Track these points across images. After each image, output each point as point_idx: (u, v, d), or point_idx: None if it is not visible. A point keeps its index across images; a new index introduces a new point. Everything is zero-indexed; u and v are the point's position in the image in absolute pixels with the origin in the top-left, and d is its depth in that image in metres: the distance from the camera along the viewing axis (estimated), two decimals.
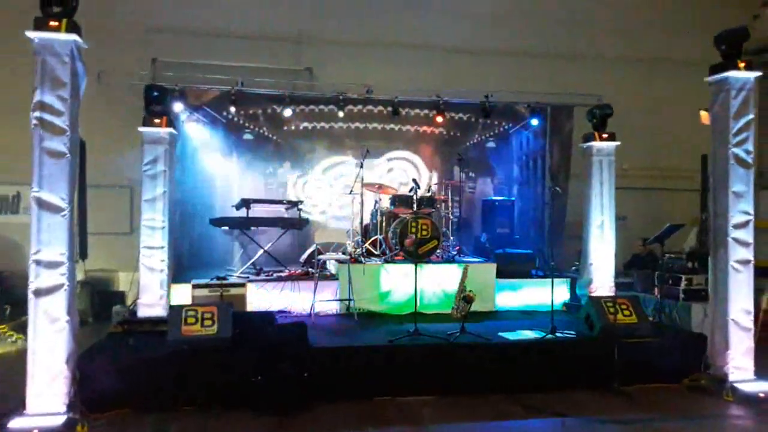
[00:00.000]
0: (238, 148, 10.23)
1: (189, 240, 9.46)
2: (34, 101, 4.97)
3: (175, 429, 4.99)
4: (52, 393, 4.88)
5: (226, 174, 10.18)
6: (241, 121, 10.15)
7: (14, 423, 4.68)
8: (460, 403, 5.62)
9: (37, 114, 4.95)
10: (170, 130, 6.95)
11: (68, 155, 5.01)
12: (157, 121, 6.85)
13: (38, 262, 4.93)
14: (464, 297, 6.33)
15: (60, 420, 4.75)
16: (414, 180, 8.74)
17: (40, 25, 4.99)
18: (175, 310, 5.58)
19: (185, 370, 5.36)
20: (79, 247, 5.41)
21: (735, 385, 5.87)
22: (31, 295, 4.91)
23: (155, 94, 6.89)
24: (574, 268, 9.50)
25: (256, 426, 5.02)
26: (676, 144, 11.78)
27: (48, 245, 4.94)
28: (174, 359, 5.36)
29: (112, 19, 10.35)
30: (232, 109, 9.58)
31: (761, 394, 5.76)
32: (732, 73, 5.99)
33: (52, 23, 4.98)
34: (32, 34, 4.98)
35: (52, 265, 4.94)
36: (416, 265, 6.63)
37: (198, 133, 9.75)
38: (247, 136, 10.25)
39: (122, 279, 10.17)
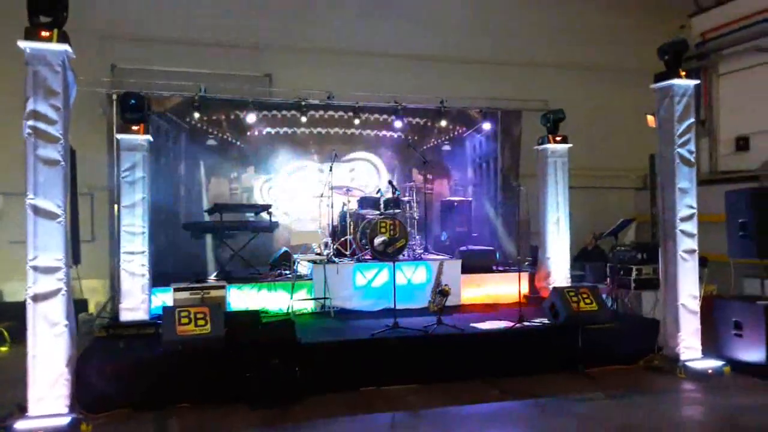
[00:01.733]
0: (202, 153, 10.30)
1: (156, 246, 9.47)
2: (28, 110, 5.06)
3: (176, 424, 5.16)
4: (54, 395, 4.98)
5: (191, 180, 10.24)
6: (205, 127, 10.25)
7: (19, 425, 4.76)
8: (442, 389, 6.01)
9: (31, 123, 5.05)
10: (147, 137, 7.07)
11: (62, 163, 5.12)
12: (135, 128, 6.95)
13: (35, 268, 5.02)
14: (440, 291, 6.74)
15: (65, 421, 4.87)
16: (390, 182, 9.18)
17: (32, 35, 5.08)
18: (168, 311, 5.73)
19: (181, 368, 5.54)
20: (72, 253, 5.46)
21: (686, 363, 6.51)
22: (29, 301, 5.00)
23: (132, 101, 6.99)
24: (527, 263, 10.10)
25: (255, 418, 5.26)
26: (616, 145, 12.64)
27: (44, 251, 5.04)
28: (170, 359, 5.53)
29: (68, 25, 10.28)
30: (196, 115, 9.73)
31: (709, 371, 6.44)
32: (675, 81, 6.64)
33: (44, 33, 5.08)
34: (24, 44, 5.06)
35: (49, 270, 5.05)
36: (394, 264, 7.00)
37: (162, 140, 9.79)
38: (211, 142, 10.34)
39: (85, 286, 10.05)
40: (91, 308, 9.67)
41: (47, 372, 4.98)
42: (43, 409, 4.95)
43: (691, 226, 6.64)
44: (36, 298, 5.01)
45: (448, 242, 10.61)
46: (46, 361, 4.99)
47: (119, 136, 7.05)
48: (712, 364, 6.53)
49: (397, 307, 7.81)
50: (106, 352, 5.84)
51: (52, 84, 5.09)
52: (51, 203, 5.05)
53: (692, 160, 6.66)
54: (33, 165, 5.04)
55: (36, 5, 5.12)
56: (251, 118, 9.71)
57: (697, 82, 6.78)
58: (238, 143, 10.51)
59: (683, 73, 6.62)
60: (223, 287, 7.11)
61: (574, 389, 6.07)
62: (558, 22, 12.61)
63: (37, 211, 5.03)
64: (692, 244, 6.65)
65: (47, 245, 5.04)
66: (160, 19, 10.75)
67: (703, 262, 6.94)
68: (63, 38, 5.16)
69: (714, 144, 12.67)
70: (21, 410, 5.05)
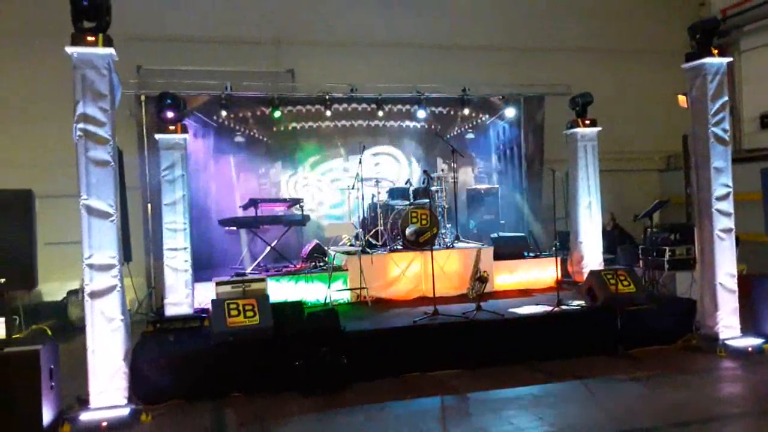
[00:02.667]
0: (230, 150, 10.44)
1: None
2: (78, 113, 5.20)
3: (232, 413, 5.32)
4: (114, 388, 5.15)
5: (220, 176, 10.38)
6: (232, 125, 10.38)
7: (84, 416, 4.94)
8: (485, 374, 6.11)
9: (81, 126, 5.19)
10: (185, 135, 7.20)
11: (112, 163, 5.26)
12: (172, 128, 7.09)
13: (91, 266, 5.17)
14: (479, 277, 6.84)
15: (125, 411, 5.05)
16: (425, 171, 9.32)
17: (78, 40, 5.21)
18: (218, 303, 5.88)
19: (232, 359, 5.70)
20: (124, 251, 5.61)
21: (725, 342, 6.54)
22: (87, 298, 5.15)
23: (169, 101, 7.11)
24: (554, 248, 10.14)
25: (307, 405, 5.41)
26: (638, 127, 12.62)
27: (99, 249, 5.19)
28: (221, 349, 5.69)
29: None
30: (223, 113, 9.88)
31: (750, 349, 6.47)
32: (707, 60, 6.63)
33: (90, 38, 5.21)
34: (71, 50, 5.20)
35: (104, 268, 5.20)
36: (432, 252, 7.08)
37: (191, 138, 9.91)
38: (239, 139, 10.47)
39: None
40: (129, 305, 9.85)
41: (106, 365, 5.15)
42: (104, 401, 5.12)
43: (727, 205, 6.66)
44: (93, 295, 5.16)
45: (476, 230, 10.69)
46: (104, 355, 5.15)
47: (158, 136, 7.19)
48: (752, 342, 6.55)
49: (430, 296, 7.99)
50: (158, 345, 6.00)
51: (99, 87, 5.23)
52: (103, 203, 5.19)
53: (727, 138, 6.67)
54: (85, 166, 5.18)
55: (80, 11, 5.24)
56: (278, 114, 9.81)
57: (730, 59, 6.77)
58: (265, 139, 10.63)
59: (716, 51, 6.62)
60: (263, 280, 7.23)
61: (616, 370, 6.15)
62: (577, 5, 12.59)
63: (90, 211, 5.17)
64: (729, 223, 6.67)
65: (101, 244, 5.18)
66: (183, 18, 10.88)
67: (735, 242, 6.95)
68: (108, 42, 5.29)
69: (738, 122, 12.60)
70: (81, 402, 5.24)
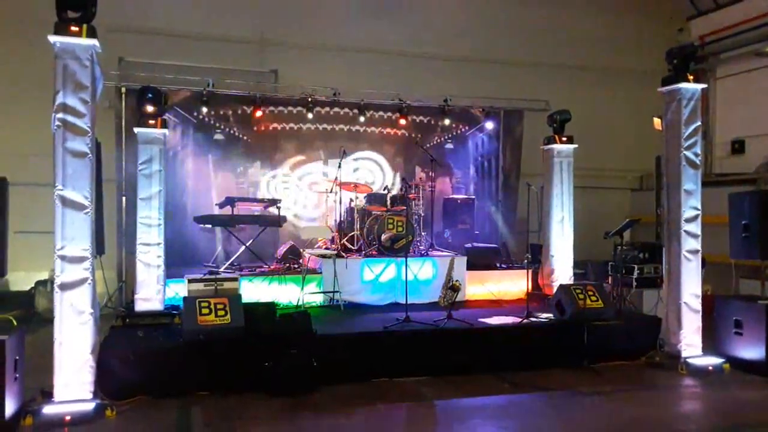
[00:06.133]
0: (209, 147, 10.34)
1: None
2: (57, 103, 5.15)
3: (198, 411, 5.30)
4: (79, 382, 5.09)
5: (198, 173, 10.31)
6: (212, 122, 10.31)
7: (47, 410, 4.87)
8: (453, 382, 6.18)
9: (60, 116, 5.14)
10: (164, 130, 7.17)
11: (90, 155, 5.22)
12: (151, 122, 7.05)
13: (63, 258, 5.12)
14: (451, 286, 6.92)
15: (90, 406, 4.99)
16: (403, 179, 9.35)
17: (61, 30, 5.17)
18: (189, 301, 5.85)
19: (202, 357, 5.68)
20: (97, 244, 5.56)
21: (687, 360, 6.70)
22: (57, 289, 5.10)
23: (150, 95, 7.08)
24: (526, 260, 10.28)
25: (275, 406, 5.41)
26: (613, 146, 12.86)
27: (72, 241, 5.14)
28: (190, 347, 5.67)
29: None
30: (204, 110, 9.83)
31: (710, 367, 6.64)
32: (683, 85, 6.82)
33: (73, 28, 5.17)
34: (54, 39, 5.15)
35: (76, 260, 5.15)
36: (406, 259, 7.14)
37: (170, 133, 9.83)
38: (218, 137, 10.38)
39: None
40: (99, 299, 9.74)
41: (73, 359, 5.09)
42: (68, 395, 5.06)
43: (695, 227, 6.84)
44: (63, 287, 5.10)
45: (451, 239, 10.79)
46: (72, 348, 5.09)
47: (137, 130, 7.13)
48: (713, 361, 6.73)
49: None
50: (126, 340, 5.96)
51: (81, 78, 5.19)
52: (79, 194, 5.15)
53: (698, 162, 6.86)
54: (62, 157, 5.13)
55: (65, 1, 5.21)
56: (259, 113, 9.81)
57: (705, 86, 6.97)
58: (245, 138, 10.58)
59: (691, 77, 6.81)
60: (236, 279, 7.23)
61: (581, 384, 6.25)
62: (559, 23, 12.80)
63: (65, 202, 5.13)
64: (696, 244, 6.85)
65: (74, 235, 5.14)
66: (168, 12, 10.82)
67: (702, 263, 7.14)
68: (92, 33, 5.26)
69: (710, 146, 12.92)
70: (44, 395, 5.17)
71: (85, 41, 5.20)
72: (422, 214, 9.73)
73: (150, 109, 7.09)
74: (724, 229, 7.20)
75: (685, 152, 6.79)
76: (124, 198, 9.26)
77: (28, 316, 8.85)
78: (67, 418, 4.85)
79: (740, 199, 6.95)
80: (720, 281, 9.42)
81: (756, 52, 11.70)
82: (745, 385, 6.31)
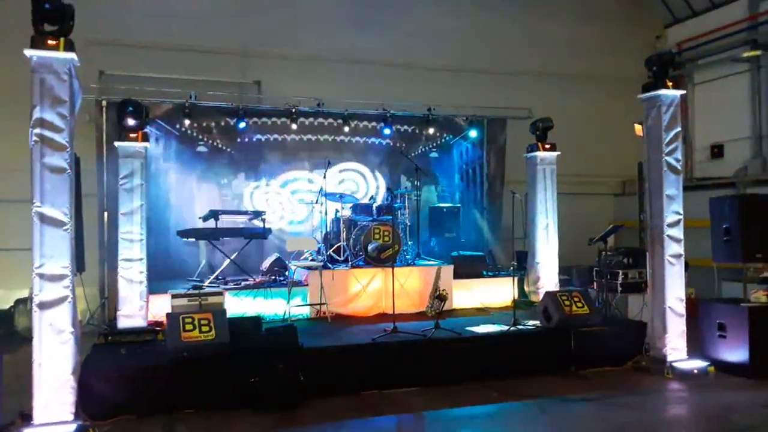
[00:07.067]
0: (192, 160, 10.27)
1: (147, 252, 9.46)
2: (34, 118, 5.06)
3: (183, 429, 5.22)
4: (60, 403, 4.98)
5: (181, 186, 10.22)
6: (195, 134, 10.25)
7: None
8: (442, 392, 6.14)
9: (37, 131, 5.05)
10: (146, 144, 7.10)
11: (68, 170, 5.14)
12: (133, 135, 6.98)
13: (42, 276, 5.02)
14: (438, 295, 6.89)
15: (71, 428, 4.87)
16: (389, 188, 9.39)
17: (38, 43, 5.10)
18: (173, 318, 5.76)
19: (186, 374, 5.59)
20: (76, 261, 5.47)
21: (673, 364, 6.73)
22: (35, 308, 4.99)
23: (130, 108, 7.01)
24: (511, 268, 10.31)
25: (260, 421, 5.34)
26: (595, 152, 12.95)
27: (50, 259, 5.04)
28: (174, 365, 5.57)
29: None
30: (186, 122, 9.77)
31: (695, 371, 6.67)
32: (662, 92, 6.89)
33: (51, 42, 5.11)
34: (30, 53, 5.08)
35: (56, 278, 5.04)
36: (393, 269, 7.11)
37: (152, 146, 9.76)
38: (201, 149, 10.34)
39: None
40: (80, 315, 9.58)
41: (53, 379, 4.98)
42: (48, 417, 4.94)
43: (678, 232, 6.89)
44: (42, 306, 5.00)
45: (437, 248, 10.79)
46: (51, 369, 4.98)
47: (117, 144, 7.06)
48: (697, 364, 6.76)
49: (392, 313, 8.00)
50: (108, 358, 5.86)
51: (59, 92, 5.11)
52: (58, 211, 5.06)
53: (679, 167, 6.92)
54: (39, 173, 5.03)
55: (42, 14, 5.14)
56: (242, 125, 9.77)
57: (684, 92, 7.04)
58: (229, 150, 10.52)
59: (670, 84, 6.88)
60: (221, 294, 7.15)
61: (569, 390, 6.25)
62: (540, 32, 12.92)
63: (43, 218, 5.03)
64: (679, 249, 6.90)
65: (53, 253, 5.03)
66: (149, 24, 10.73)
67: (685, 267, 7.19)
68: (69, 47, 5.19)
69: (690, 151, 13.06)
70: (23, 418, 5.05)
71: (62, 55, 5.13)
72: (408, 224, 9.72)
73: (131, 122, 7.02)
74: (706, 232, 7.26)
75: (666, 158, 6.85)
76: (105, 213, 9.13)
77: (7, 336, 8.68)
78: None
79: (721, 203, 7.01)
80: (703, 284, 9.50)
81: (732, 58, 11.86)
82: (730, 388, 6.33)
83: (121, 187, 7.00)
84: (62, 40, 5.16)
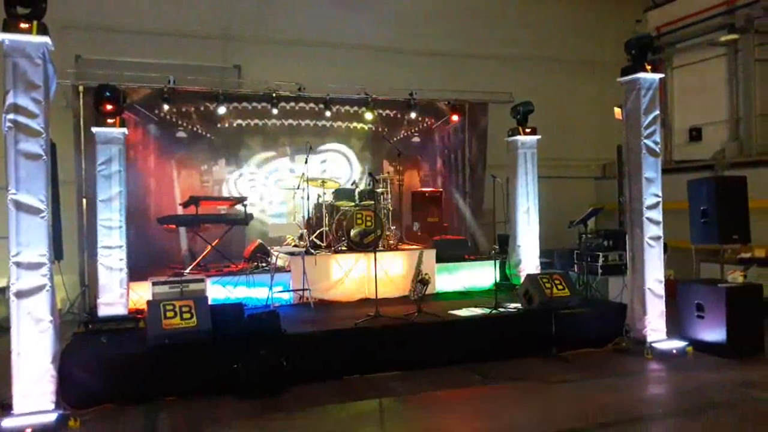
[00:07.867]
0: (172, 146, 10.15)
1: (126, 239, 9.35)
2: (8, 104, 4.96)
3: (165, 418, 5.19)
4: (40, 392, 4.93)
5: (160, 172, 10.10)
6: (174, 119, 10.11)
7: (6, 423, 4.71)
8: (424, 375, 6.18)
9: (11, 116, 4.96)
10: (123, 129, 6.99)
11: (44, 157, 5.05)
12: (110, 121, 6.87)
13: (18, 264, 4.94)
14: (420, 280, 6.90)
15: (52, 417, 4.83)
16: (370, 173, 9.31)
17: (10, 27, 4.99)
18: (153, 305, 5.71)
19: (168, 362, 5.56)
20: (55, 249, 5.39)
21: (652, 344, 6.84)
22: (12, 297, 4.92)
23: (108, 93, 6.89)
24: (493, 251, 10.37)
25: (244, 409, 5.33)
26: (576, 136, 13.04)
27: (27, 247, 4.97)
28: (156, 353, 5.54)
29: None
30: (165, 107, 9.62)
31: (674, 351, 6.80)
32: (641, 75, 6.93)
33: (23, 25, 4.99)
34: (2, 36, 4.96)
35: (33, 266, 4.98)
36: (375, 254, 7.11)
37: (130, 132, 9.60)
38: (181, 134, 10.21)
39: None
40: (60, 304, 9.48)
41: (32, 369, 4.93)
42: (28, 406, 4.90)
43: (657, 214, 6.97)
44: (19, 295, 4.93)
45: (420, 232, 10.80)
46: (30, 358, 4.93)
47: (95, 130, 6.95)
48: (676, 344, 6.88)
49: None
50: (89, 347, 5.80)
51: (32, 77, 5.01)
52: (34, 198, 4.98)
53: (658, 150, 6.98)
54: (14, 159, 4.95)
55: None
56: (222, 110, 9.66)
57: (662, 75, 7.09)
58: (209, 135, 10.40)
59: (649, 67, 6.92)
60: (202, 280, 7.10)
61: (550, 372, 6.32)
62: (520, 16, 12.95)
63: (19, 206, 4.95)
64: (658, 231, 6.98)
65: (30, 241, 4.96)
66: (127, 8, 10.56)
67: (664, 249, 7.28)
68: (43, 30, 5.08)
69: (669, 134, 13.16)
70: (3, 407, 5.00)
71: (35, 38, 5.02)
72: (391, 208, 9.72)
73: (108, 107, 6.91)
74: (684, 214, 7.35)
75: (645, 141, 6.91)
76: (84, 200, 9.00)
77: None
78: (28, 430, 4.69)
79: (698, 186, 7.09)
80: (682, 266, 9.63)
81: (710, 42, 11.95)
82: (708, 367, 6.45)
83: (99, 173, 6.90)
84: (35, 23, 5.05)
